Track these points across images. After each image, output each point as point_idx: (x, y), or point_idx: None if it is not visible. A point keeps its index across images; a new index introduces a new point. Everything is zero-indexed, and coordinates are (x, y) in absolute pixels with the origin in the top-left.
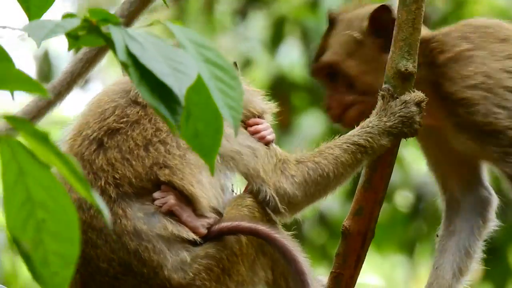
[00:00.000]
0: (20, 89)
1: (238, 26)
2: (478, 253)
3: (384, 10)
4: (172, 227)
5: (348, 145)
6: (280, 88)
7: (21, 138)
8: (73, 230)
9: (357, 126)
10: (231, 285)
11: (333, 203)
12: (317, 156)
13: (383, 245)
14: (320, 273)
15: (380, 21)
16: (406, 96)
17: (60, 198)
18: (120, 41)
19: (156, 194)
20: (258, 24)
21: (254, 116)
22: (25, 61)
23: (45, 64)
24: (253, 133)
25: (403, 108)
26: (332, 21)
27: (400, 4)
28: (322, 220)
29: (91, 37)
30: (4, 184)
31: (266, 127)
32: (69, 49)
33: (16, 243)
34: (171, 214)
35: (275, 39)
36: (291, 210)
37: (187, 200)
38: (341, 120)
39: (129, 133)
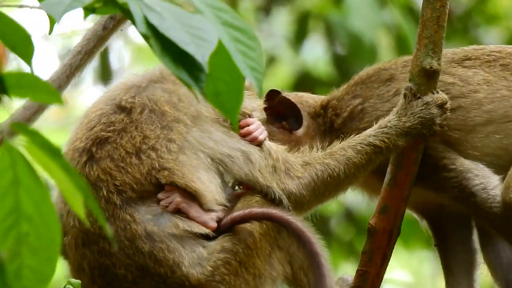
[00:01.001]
0: (37, 97)
1: (262, 22)
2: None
3: (272, 95)
4: (183, 224)
5: (363, 146)
6: (304, 84)
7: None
8: (54, 249)
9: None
10: (248, 278)
11: (360, 199)
12: (327, 158)
13: (410, 241)
14: (347, 271)
15: (274, 107)
16: (429, 97)
17: (48, 215)
18: (139, 12)
19: (160, 195)
20: (282, 20)
21: (244, 116)
22: (49, 60)
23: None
24: (244, 135)
25: (424, 109)
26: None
27: (425, 2)
28: (349, 216)
29: (107, 8)
30: None
31: (257, 126)
32: (84, 18)
33: None
34: (178, 212)
35: (299, 35)
36: (299, 209)
37: (192, 197)
38: None
39: (117, 141)
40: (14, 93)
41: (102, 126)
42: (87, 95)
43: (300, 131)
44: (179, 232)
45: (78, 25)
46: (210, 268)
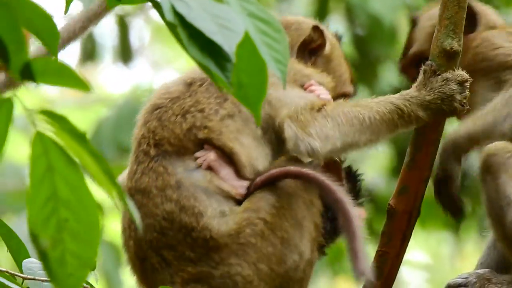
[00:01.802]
0: (63, 84)
1: (282, 3)
2: None
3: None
4: (214, 180)
5: (386, 102)
6: None
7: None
8: (94, 233)
9: None
10: (275, 241)
11: (379, 179)
12: (356, 105)
13: (428, 222)
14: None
15: None
16: (448, 74)
17: (85, 199)
18: (166, 1)
19: (198, 153)
20: (302, 1)
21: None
22: None
23: (89, 41)
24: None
25: (444, 84)
26: (414, 21)
27: None
28: (368, 196)
29: None
30: (31, 178)
31: (323, 91)
32: (109, 7)
33: (33, 239)
34: (212, 171)
35: (319, 16)
36: (324, 145)
37: (229, 160)
38: None
39: (169, 105)
40: (41, 80)
41: (159, 95)
42: (106, 74)
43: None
44: (208, 185)
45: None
46: (234, 226)
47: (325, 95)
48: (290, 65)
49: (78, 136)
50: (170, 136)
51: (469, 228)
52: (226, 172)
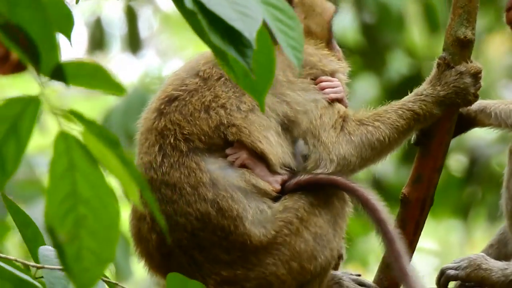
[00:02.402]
0: (96, 87)
1: None
2: None
3: None
4: (250, 178)
5: (404, 110)
6: None
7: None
8: (113, 231)
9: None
10: (308, 238)
11: (388, 168)
12: (377, 120)
13: (438, 210)
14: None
15: None
16: (462, 67)
17: (105, 198)
18: None
19: (228, 150)
20: None
21: (324, 74)
22: (77, 28)
23: (97, 30)
24: (320, 89)
25: (458, 78)
26: None
27: None
28: (378, 185)
29: None
30: (50, 175)
31: (335, 85)
32: None
33: (50, 233)
34: (246, 168)
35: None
36: (344, 170)
37: (259, 158)
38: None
39: (187, 98)
40: (73, 82)
41: (174, 86)
42: (115, 63)
43: None
44: (245, 185)
45: None
46: (273, 232)
47: (338, 92)
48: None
49: (108, 140)
50: (199, 133)
51: (478, 216)
52: (260, 168)
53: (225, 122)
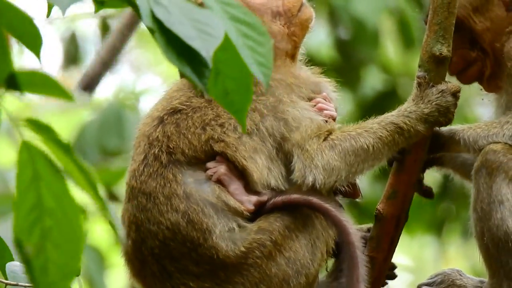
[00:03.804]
0: (47, 93)
1: None
2: None
3: None
4: (221, 195)
5: (387, 123)
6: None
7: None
8: (77, 243)
9: (472, 83)
10: (281, 262)
11: (362, 184)
12: (360, 129)
13: (412, 226)
14: None
15: None
16: (443, 86)
17: (69, 209)
18: (145, 6)
19: (209, 164)
20: None
21: (320, 96)
22: (53, 44)
23: (72, 46)
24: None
25: (440, 97)
26: None
27: None
28: (352, 200)
29: (116, 1)
30: (17, 186)
31: (331, 108)
32: (96, 11)
33: (18, 246)
34: (221, 184)
35: None
36: (330, 178)
37: (240, 174)
38: (460, 76)
39: (189, 114)
40: (26, 90)
41: (180, 100)
42: None
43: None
44: (216, 201)
45: (80, 9)
46: (243, 249)
47: (333, 114)
48: (297, 75)
49: (62, 146)
50: (185, 147)
51: (452, 231)
52: (235, 186)
53: (216, 137)
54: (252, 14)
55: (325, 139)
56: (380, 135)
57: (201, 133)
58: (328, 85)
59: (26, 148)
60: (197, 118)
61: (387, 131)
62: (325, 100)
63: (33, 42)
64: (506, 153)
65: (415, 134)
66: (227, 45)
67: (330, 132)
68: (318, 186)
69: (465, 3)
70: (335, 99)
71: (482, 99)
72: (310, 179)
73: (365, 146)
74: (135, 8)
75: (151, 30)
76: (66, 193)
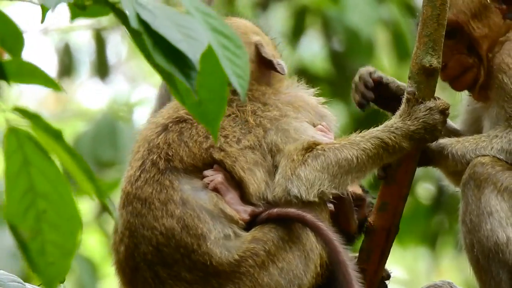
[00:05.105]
0: (35, 82)
1: (259, 18)
2: None
3: None
4: (219, 203)
5: (371, 137)
6: (301, 81)
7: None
8: (74, 223)
9: (465, 90)
10: (273, 272)
11: None
12: (344, 141)
13: (405, 238)
14: None
15: None
16: (431, 103)
17: (62, 190)
18: (131, 8)
19: (206, 172)
20: (279, 15)
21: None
22: (47, 54)
23: (66, 57)
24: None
25: (428, 114)
26: None
27: (425, 0)
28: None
29: (98, 7)
30: (6, 173)
31: (330, 136)
32: (72, 19)
33: (13, 231)
34: (218, 192)
35: (297, 30)
36: (313, 188)
37: (236, 185)
38: (455, 82)
39: (195, 124)
40: (14, 80)
41: (186, 111)
42: (83, 89)
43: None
44: (213, 208)
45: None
46: (237, 257)
47: (329, 139)
48: (307, 101)
49: (53, 133)
50: (184, 154)
51: (445, 244)
52: (231, 196)
53: (218, 145)
54: (230, 27)
55: (310, 151)
56: (364, 147)
57: (203, 141)
58: (332, 117)
59: (15, 134)
60: (202, 127)
61: (372, 144)
62: (326, 129)
63: (14, 44)
64: (494, 165)
65: (399, 150)
66: (203, 55)
67: (317, 144)
68: (300, 198)
69: (464, 9)
70: (334, 133)
71: (468, 106)
72: (295, 191)
73: (349, 157)
74: (119, 13)
75: (136, 33)
76: (58, 176)
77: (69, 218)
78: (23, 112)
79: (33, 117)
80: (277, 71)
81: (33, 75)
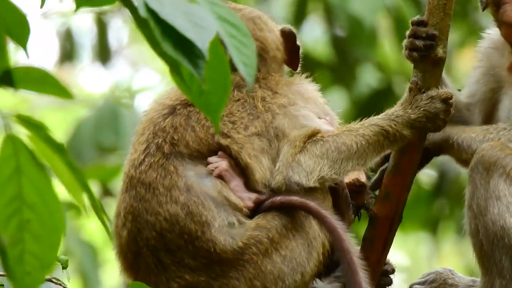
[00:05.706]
0: (45, 91)
1: (260, 4)
2: None
3: None
4: (222, 190)
5: (371, 125)
6: (303, 66)
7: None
8: (56, 236)
9: None
10: (277, 259)
11: None
12: (344, 129)
13: (407, 223)
14: None
15: None
16: (433, 92)
17: (51, 203)
18: None
19: (211, 159)
20: (281, 1)
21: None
22: (48, 39)
23: (68, 41)
24: None
25: (429, 103)
26: None
27: None
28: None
29: None
30: None
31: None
32: (76, 9)
33: None
34: (222, 179)
35: (298, 16)
36: (314, 174)
37: (241, 172)
38: None
39: None
40: (22, 86)
41: None
42: (85, 74)
43: None
44: (217, 195)
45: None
46: (241, 244)
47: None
48: (315, 95)
49: (54, 145)
50: (190, 139)
51: (447, 229)
52: (236, 183)
53: (225, 131)
54: (237, 16)
55: (311, 137)
56: (363, 133)
57: (211, 126)
58: (334, 116)
59: (11, 141)
60: None
61: (371, 131)
62: (330, 124)
63: (20, 32)
64: (504, 148)
65: (400, 138)
66: (210, 44)
67: (317, 132)
68: (298, 185)
69: None
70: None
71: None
72: (295, 177)
73: (348, 142)
74: (126, 2)
75: (143, 22)
76: (49, 188)
77: (51, 231)
78: (25, 121)
79: (36, 127)
80: (299, 61)
81: (43, 81)
